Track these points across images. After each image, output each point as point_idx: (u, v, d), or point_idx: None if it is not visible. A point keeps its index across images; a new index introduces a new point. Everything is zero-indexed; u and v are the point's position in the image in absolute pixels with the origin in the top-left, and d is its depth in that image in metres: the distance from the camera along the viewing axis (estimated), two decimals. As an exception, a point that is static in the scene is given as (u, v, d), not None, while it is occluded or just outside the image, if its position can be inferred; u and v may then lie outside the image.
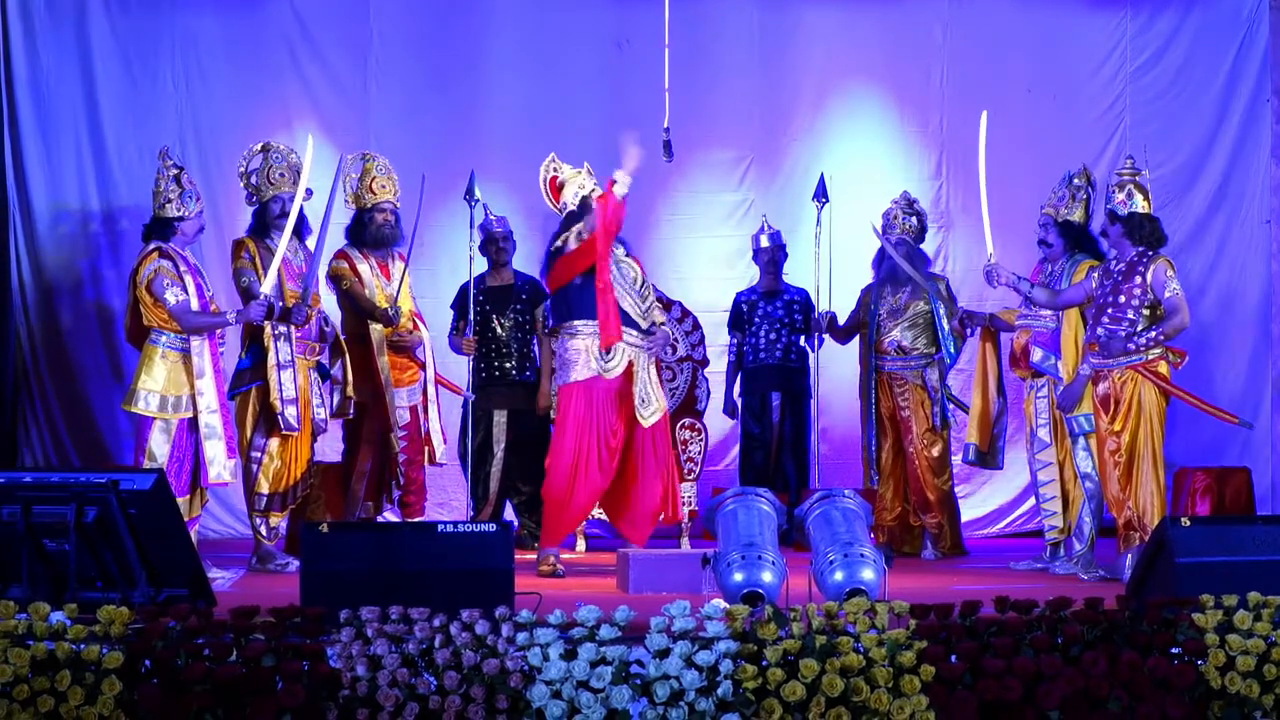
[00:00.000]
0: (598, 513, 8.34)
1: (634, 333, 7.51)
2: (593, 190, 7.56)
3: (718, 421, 9.59)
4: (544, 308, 8.96)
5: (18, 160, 9.44)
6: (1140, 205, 7.37)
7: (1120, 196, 7.39)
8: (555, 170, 7.69)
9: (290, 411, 7.58)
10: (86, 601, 5.22)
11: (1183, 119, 10.00)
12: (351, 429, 8.33)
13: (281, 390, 7.56)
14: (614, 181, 7.31)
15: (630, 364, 7.47)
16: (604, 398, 7.43)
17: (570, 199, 7.59)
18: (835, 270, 8.78)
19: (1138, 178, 7.42)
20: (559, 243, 7.53)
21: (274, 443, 7.68)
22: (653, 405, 7.44)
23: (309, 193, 7.67)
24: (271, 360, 7.55)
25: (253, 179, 7.81)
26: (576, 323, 7.49)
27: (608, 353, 7.42)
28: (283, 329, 7.58)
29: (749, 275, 9.64)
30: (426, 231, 8.32)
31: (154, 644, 4.82)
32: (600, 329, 7.37)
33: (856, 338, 9.01)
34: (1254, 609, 5.19)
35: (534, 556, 7.64)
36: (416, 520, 8.23)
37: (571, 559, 8.14)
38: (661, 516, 7.69)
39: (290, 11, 9.70)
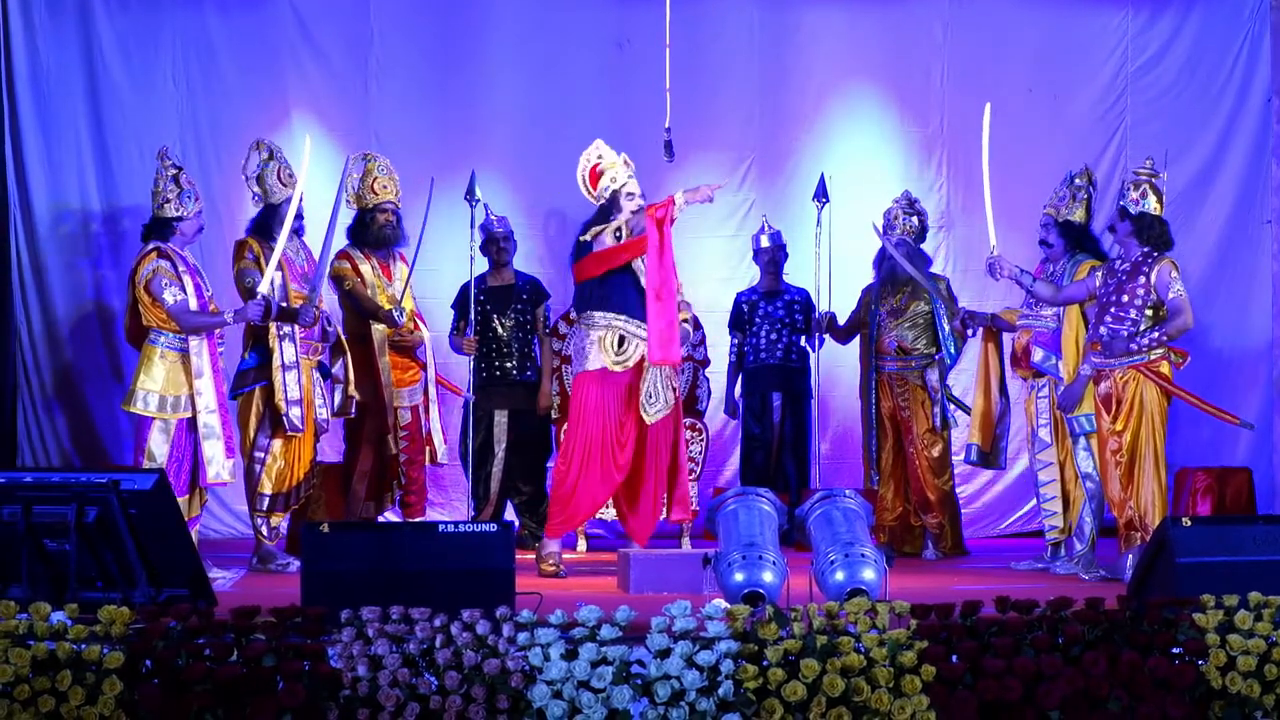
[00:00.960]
0: (604, 513, 8.34)
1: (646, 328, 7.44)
2: (624, 184, 7.46)
3: (718, 422, 9.61)
4: (544, 307, 8.97)
5: (18, 159, 9.43)
6: (1153, 206, 7.36)
7: (1134, 194, 7.38)
8: (599, 158, 7.52)
9: (295, 413, 7.58)
10: (87, 601, 5.23)
11: (1184, 119, 9.99)
12: (352, 429, 8.33)
13: (286, 391, 7.56)
14: (671, 201, 7.24)
15: (642, 359, 7.42)
16: (614, 391, 7.39)
17: (602, 190, 7.51)
18: (835, 270, 8.78)
19: (1155, 179, 7.41)
20: (587, 236, 7.46)
21: (277, 443, 7.67)
22: (659, 403, 7.39)
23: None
24: (276, 361, 7.55)
25: (264, 180, 7.76)
26: (595, 314, 7.42)
27: (620, 346, 7.39)
28: (287, 329, 7.58)
29: (749, 275, 9.64)
30: (427, 231, 8.31)
31: (155, 644, 4.83)
32: (650, 344, 7.27)
33: (857, 338, 9.01)
34: (1255, 609, 5.20)
35: (534, 556, 7.61)
36: (417, 520, 8.23)
37: (572, 559, 8.14)
38: (664, 515, 7.66)
39: (290, 10, 9.69)
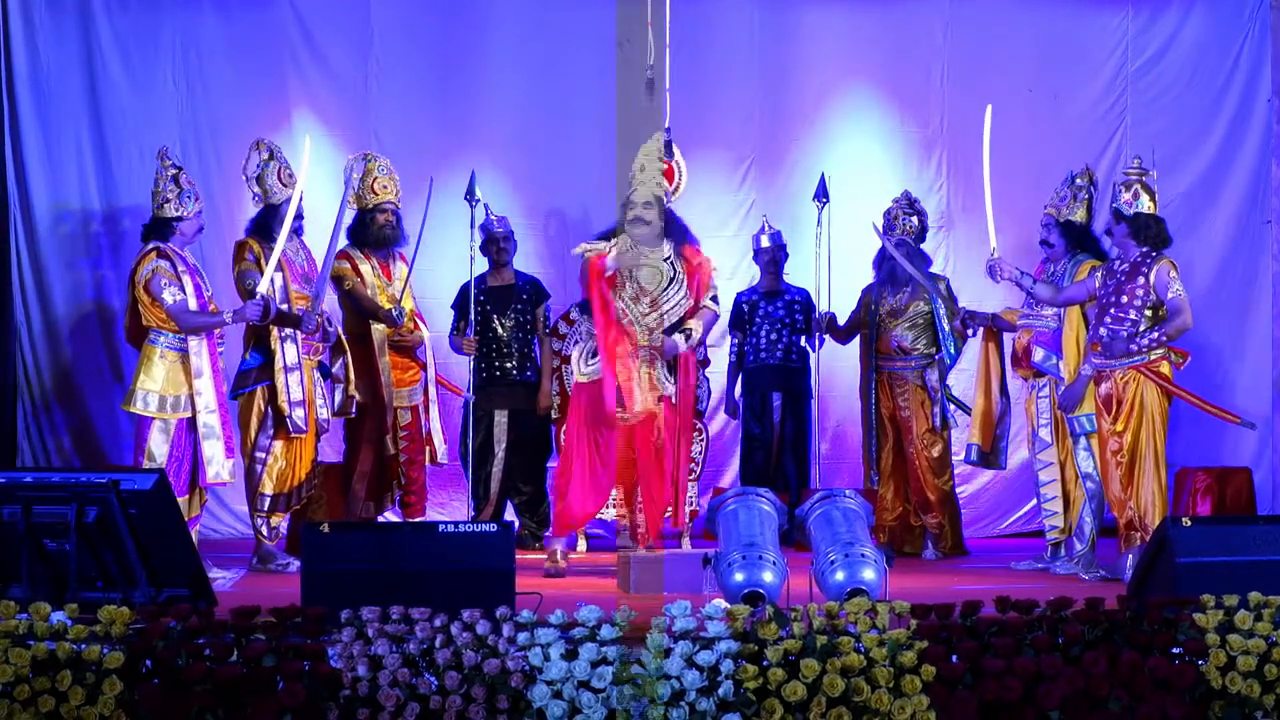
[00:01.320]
0: (604, 513, 8.35)
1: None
2: (633, 191, 7.32)
3: (718, 422, 9.60)
4: (544, 307, 8.97)
5: (18, 159, 9.42)
6: (1146, 205, 7.37)
7: (1126, 196, 7.38)
8: (643, 158, 7.36)
9: (298, 414, 7.58)
10: (87, 601, 5.23)
11: (1183, 119, 9.98)
12: (352, 429, 8.33)
13: (289, 393, 7.56)
14: (603, 256, 7.21)
15: None
16: (599, 400, 7.39)
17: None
18: (836, 270, 8.77)
19: (1145, 178, 7.41)
20: (576, 250, 7.48)
21: (278, 444, 7.67)
22: (635, 408, 7.37)
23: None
24: (279, 363, 7.55)
25: (264, 180, 7.75)
26: (581, 321, 7.49)
27: (594, 356, 7.37)
28: (289, 330, 7.57)
29: (750, 275, 9.64)
30: (427, 231, 8.31)
31: (155, 644, 4.83)
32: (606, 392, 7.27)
33: (857, 338, 9.01)
34: (1255, 609, 5.20)
35: (534, 556, 7.62)
36: (417, 520, 8.23)
37: (572, 559, 8.13)
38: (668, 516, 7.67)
39: (290, 10, 9.69)
